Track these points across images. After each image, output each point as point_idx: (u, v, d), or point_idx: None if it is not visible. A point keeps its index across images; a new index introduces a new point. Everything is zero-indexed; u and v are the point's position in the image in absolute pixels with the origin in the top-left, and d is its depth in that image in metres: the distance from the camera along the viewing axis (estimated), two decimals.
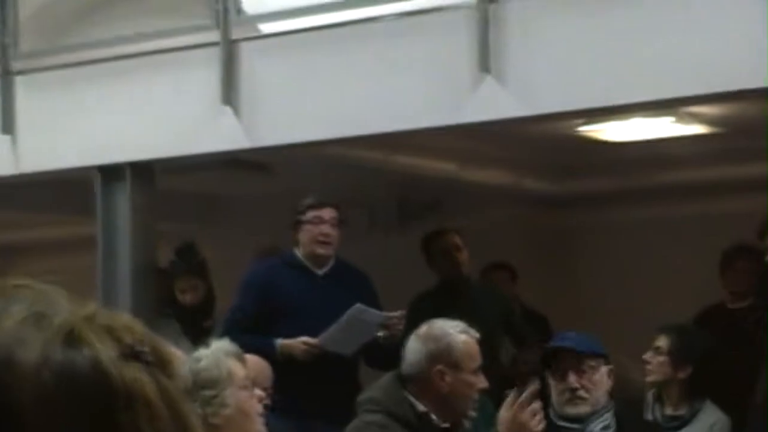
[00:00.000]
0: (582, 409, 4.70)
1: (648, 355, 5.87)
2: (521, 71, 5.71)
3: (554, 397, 4.76)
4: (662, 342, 5.86)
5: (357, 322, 5.97)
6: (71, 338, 1.09)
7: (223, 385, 3.87)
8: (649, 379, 5.89)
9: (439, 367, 4.46)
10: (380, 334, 5.99)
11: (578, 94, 5.65)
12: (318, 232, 6.18)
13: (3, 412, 1.06)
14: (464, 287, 7.03)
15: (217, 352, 3.98)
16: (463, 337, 4.51)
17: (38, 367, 1.07)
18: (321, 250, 6.21)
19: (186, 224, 8.21)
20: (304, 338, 6.00)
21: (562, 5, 5.70)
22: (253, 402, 4.01)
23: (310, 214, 6.20)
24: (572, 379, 4.71)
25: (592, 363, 4.74)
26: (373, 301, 6.27)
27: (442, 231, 7.21)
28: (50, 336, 1.09)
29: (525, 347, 7.01)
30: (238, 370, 4.01)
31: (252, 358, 5.25)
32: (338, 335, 5.97)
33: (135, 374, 1.09)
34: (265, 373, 5.17)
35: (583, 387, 4.70)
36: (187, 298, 7.00)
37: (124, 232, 6.66)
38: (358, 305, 5.97)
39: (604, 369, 4.76)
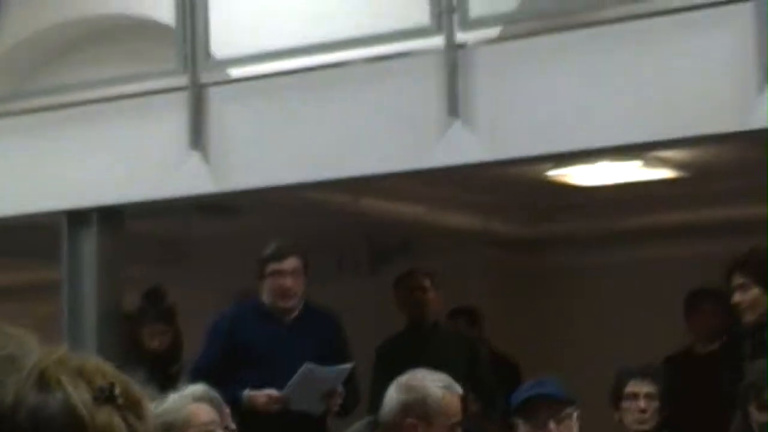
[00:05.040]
0: None
1: (643, 403, 5.80)
2: (489, 116, 5.74)
3: None
4: (650, 387, 5.82)
5: (312, 381, 5.93)
6: (44, 381, 1.10)
7: (178, 429, 3.84)
8: (642, 427, 5.81)
9: (412, 420, 4.40)
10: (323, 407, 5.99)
11: (546, 139, 5.67)
12: (279, 285, 6.10)
13: None
14: (431, 331, 6.98)
15: (184, 397, 3.95)
16: (441, 392, 4.42)
17: (13, 408, 1.06)
18: (282, 303, 6.14)
19: (154, 268, 8.18)
20: (269, 391, 5.95)
21: (529, 51, 5.73)
22: None
23: (271, 267, 6.12)
24: (552, 426, 4.69)
25: (569, 410, 4.73)
26: (342, 345, 6.23)
27: (410, 272, 7.18)
28: (23, 378, 1.09)
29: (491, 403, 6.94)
30: (202, 414, 3.97)
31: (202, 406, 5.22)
32: (298, 394, 5.92)
33: (107, 417, 1.08)
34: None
35: None
36: (155, 343, 6.96)
37: (90, 278, 6.63)
38: (307, 365, 5.91)
39: (571, 415, 4.76)
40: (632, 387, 5.81)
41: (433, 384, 4.44)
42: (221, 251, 8.07)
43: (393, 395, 4.47)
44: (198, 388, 4.10)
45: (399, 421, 4.41)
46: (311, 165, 6.14)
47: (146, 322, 7.00)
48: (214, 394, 4.14)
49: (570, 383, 5.31)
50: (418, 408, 4.40)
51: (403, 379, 4.51)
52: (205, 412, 3.99)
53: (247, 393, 5.94)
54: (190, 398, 3.99)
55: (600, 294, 8.34)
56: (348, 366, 6.06)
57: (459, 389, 4.47)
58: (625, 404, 5.79)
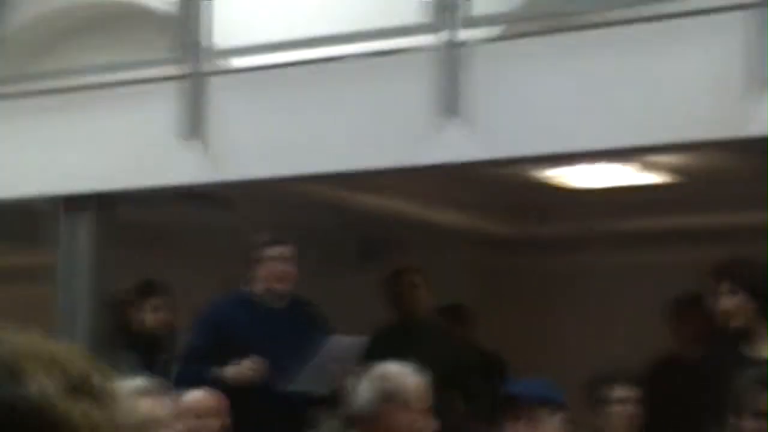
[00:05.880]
0: None
1: (626, 409, 5.81)
2: (485, 115, 5.76)
3: None
4: (632, 392, 5.83)
5: (333, 354, 6.01)
6: (14, 370, 1.07)
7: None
8: None
9: (391, 406, 4.48)
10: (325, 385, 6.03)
11: (540, 139, 5.69)
12: (277, 269, 6.21)
13: None
14: (420, 328, 7.03)
15: (131, 395, 3.86)
16: (413, 378, 4.55)
17: None
18: (280, 286, 6.24)
19: (147, 256, 8.18)
20: (245, 362, 6.00)
21: (528, 51, 5.75)
22: None
23: (268, 252, 6.23)
24: (521, 427, 4.71)
25: (542, 411, 4.74)
26: (326, 337, 6.29)
27: (401, 269, 7.24)
28: None
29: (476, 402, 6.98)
30: (158, 409, 3.95)
31: (196, 394, 5.26)
32: (314, 372, 5.99)
33: (79, 408, 1.07)
34: (208, 406, 5.20)
35: None
36: (150, 318, 6.93)
37: (84, 263, 6.64)
38: (335, 336, 6.02)
39: (556, 417, 4.76)
40: (615, 392, 5.81)
41: (403, 371, 4.55)
42: (213, 241, 8.08)
43: (367, 387, 4.54)
44: (141, 382, 4.08)
45: (377, 411, 4.47)
46: (306, 158, 6.16)
47: (144, 298, 6.98)
48: (157, 385, 4.13)
49: (556, 384, 5.34)
50: (394, 395, 4.49)
51: (372, 371, 4.60)
52: (160, 407, 3.98)
53: (216, 370, 5.97)
54: (138, 394, 3.95)
55: (588, 297, 8.37)
56: (363, 339, 6.13)
57: (425, 376, 4.59)
58: (607, 409, 5.79)
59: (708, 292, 6.13)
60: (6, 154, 6.89)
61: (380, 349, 6.51)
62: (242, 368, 6.00)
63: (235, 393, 5.79)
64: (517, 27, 5.91)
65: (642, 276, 8.03)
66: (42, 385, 1.07)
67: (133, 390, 3.94)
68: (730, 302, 5.79)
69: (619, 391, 5.81)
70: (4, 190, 6.84)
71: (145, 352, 6.69)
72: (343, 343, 6.09)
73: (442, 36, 5.81)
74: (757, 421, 4.70)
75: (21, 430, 1.05)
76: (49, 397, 1.06)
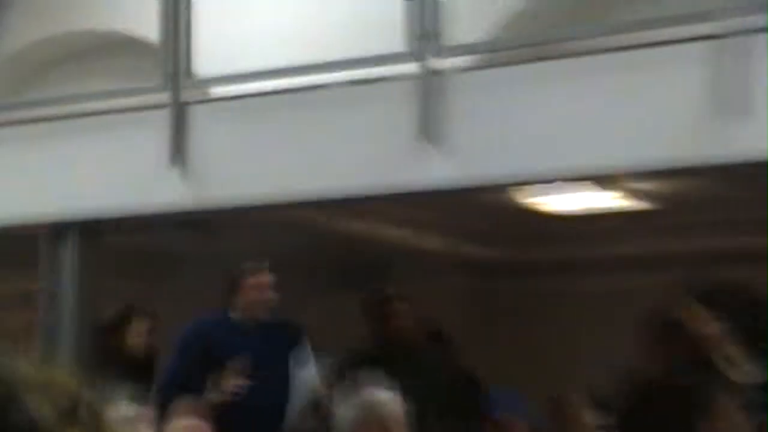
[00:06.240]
0: None
1: None
2: (465, 141, 5.82)
3: None
4: (605, 419, 5.86)
5: (309, 387, 6.10)
6: (10, 396, 1.08)
7: None
8: None
9: (371, 429, 4.53)
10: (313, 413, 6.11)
11: (517, 166, 5.74)
12: (261, 297, 6.29)
13: None
14: (400, 352, 7.06)
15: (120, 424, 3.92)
16: (392, 401, 4.60)
17: None
18: (261, 315, 6.33)
19: (132, 282, 8.22)
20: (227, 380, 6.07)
21: (504, 80, 5.81)
22: None
23: (252, 279, 6.30)
24: None
25: (509, 420, 4.80)
26: (306, 354, 6.38)
27: (384, 294, 7.27)
28: None
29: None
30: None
31: (188, 422, 5.29)
32: (299, 408, 6.08)
33: None
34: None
35: None
36: (133, 343, 6.96)
37: (68, 290, 6.67)
38: (305, 368, 6.10)
39: (522, 426, 4.82)
40: (584, 415, 5.85)
41: (383, 395, 4.60)
42: (198, 267, 8.12)
43: (349, 411, 4.59)
44: (127, 408, 4.10)
45: None
46: (288, 185, 6.21)
47: (126, 323, 7.01)
48: (143, 411, 4.15)
49: (538, 406, 5.38)
50: (377, 419, 4.53)
51: (353, 396, 4.64)
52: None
53: (197, 395, 6.04)
54: (125, 420, 3.97)
55: (570, 321, 8.42)
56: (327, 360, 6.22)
57: (404, 400, 4.65)
58: None
59: (688, 317, 6.18)
60: None
61: (363, 370, 6.57)
62: (222, 389, 6.07)
63: (217, 413, 5.85)
64: (496, 56, 5.97)
65: (621, 301, 8.07)
66: (37, 411, 1.07)
67: (120, 416, 3.96)
68: (711, 327, 5.83)
69: (589, 415, 5.86)
70: None
71: (131, 377, 6.72)
72: (312, 371, 6.17)
73: (422, 64, 5.87)
74: None
75: None
76: (44, 422, 1.07)
